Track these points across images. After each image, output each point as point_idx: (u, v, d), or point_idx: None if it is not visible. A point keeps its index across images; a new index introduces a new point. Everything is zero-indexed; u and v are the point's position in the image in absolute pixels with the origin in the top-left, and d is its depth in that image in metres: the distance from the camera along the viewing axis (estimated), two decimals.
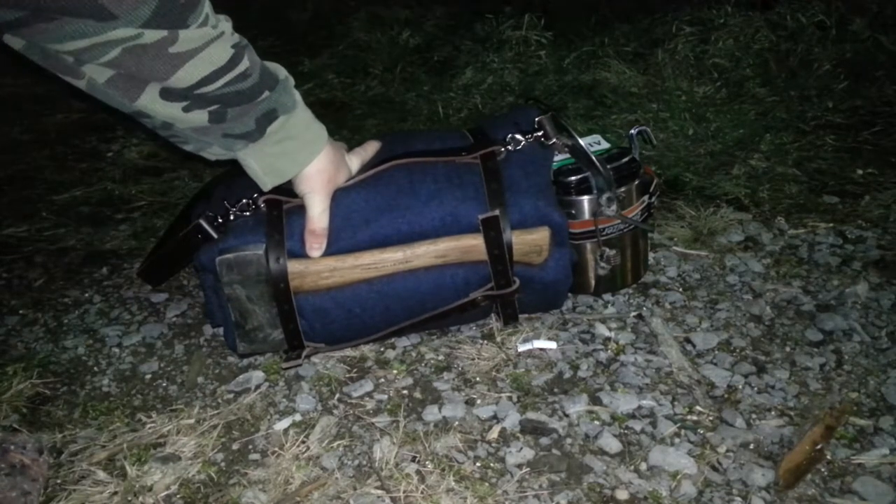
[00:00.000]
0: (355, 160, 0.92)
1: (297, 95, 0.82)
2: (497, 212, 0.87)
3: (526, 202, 0.88)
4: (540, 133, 0.94)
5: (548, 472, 0.75)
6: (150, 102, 0.71)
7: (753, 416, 0.82)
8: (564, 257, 0.92)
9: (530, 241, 0.89)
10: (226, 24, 0.73)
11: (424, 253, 0.87)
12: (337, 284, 0.87)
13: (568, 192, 0.94)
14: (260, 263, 0.86)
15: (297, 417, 0.84)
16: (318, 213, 0.86)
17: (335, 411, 0.85)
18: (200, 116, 0.74)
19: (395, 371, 0.91)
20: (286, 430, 0.82)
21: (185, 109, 0.73)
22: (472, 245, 0.88)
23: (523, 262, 0.90)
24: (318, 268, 0.86)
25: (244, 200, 0.89)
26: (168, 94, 0.71)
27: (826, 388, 0.86)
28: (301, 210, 0.87)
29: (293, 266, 0.86)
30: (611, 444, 0.78)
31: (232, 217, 0.88)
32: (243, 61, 0.74)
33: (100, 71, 0.69)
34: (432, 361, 0.93)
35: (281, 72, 0.81)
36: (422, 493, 0.72)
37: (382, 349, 0.95)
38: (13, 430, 0.83)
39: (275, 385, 0.90)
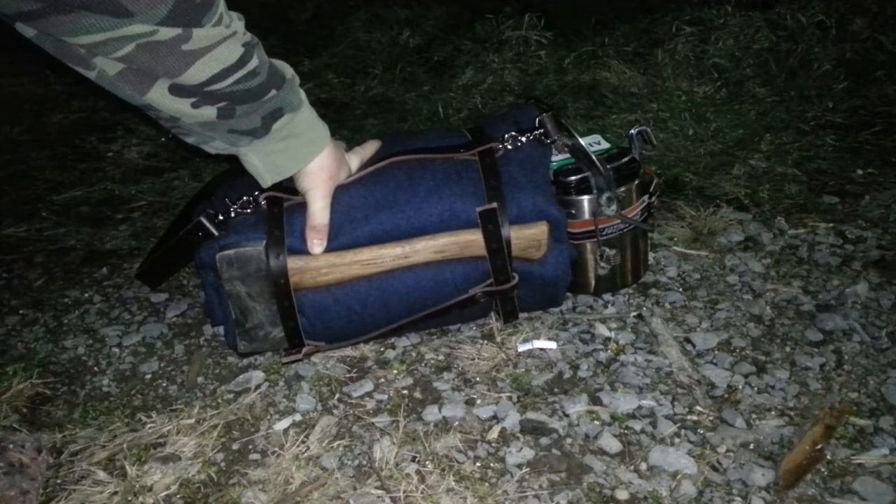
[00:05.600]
0: (355, 159, 0.92)
1: (303, 94, 0.83)
2: (495, 204, 0.87)
3: (524, 197, 0.88)
4: (539, 131, 0.94)
5: (548, 472, 0.75)
6: (160, 97, 0.72)
7: (753, 416, 0.82)
8: (563, 253, 0.92)
9: (529, 236, 0.89)
10: (238, 22, 0.74)
11: (423, 248, 0.87)
12: (336, 281, 0.87)
13: (568, 192, 0.94)
14: (260, 259, 0.86)
15: (297, 417, 0.84)
16: (319, 209, 0.86)
17: (335, 411, 0.85)
18: (209, 112, 0.75)
19: (395, 371, 0.91)
20: (286, 430, 0.82)
21: (194, 105, 0.73)
22: (471, 240, 0.88)
23: (522, 257, 0.90)
24: (317, 264, 0.86)
25: (245, 198, 0.89)
26: (177, 90, 0.72)
27: (826, 388, 0.86)
28: (301, 207, 0.87)
29: (293, 262, 0.86)
30: (611, 444, 0.78)
31: (233, 214, 0.89)
32: (253, 60, 0.74)
33: (111, 64, 0.69)
34: (432, 361, 0.93)
35: (288, 70, 0.81)
36: (422, 493, 0.72)
37: (382, 349, 0.95)
38: (13, 429, 0.83)
39: (275, 385, 0.90)
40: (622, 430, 0.80)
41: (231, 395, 0.88)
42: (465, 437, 0.80)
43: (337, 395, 0.87)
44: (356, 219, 0.87)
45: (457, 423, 0.82)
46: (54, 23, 0.64)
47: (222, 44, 0.71)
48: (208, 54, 0.70)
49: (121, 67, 0.69)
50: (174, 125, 0.78)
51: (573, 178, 0.94)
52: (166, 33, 0.67)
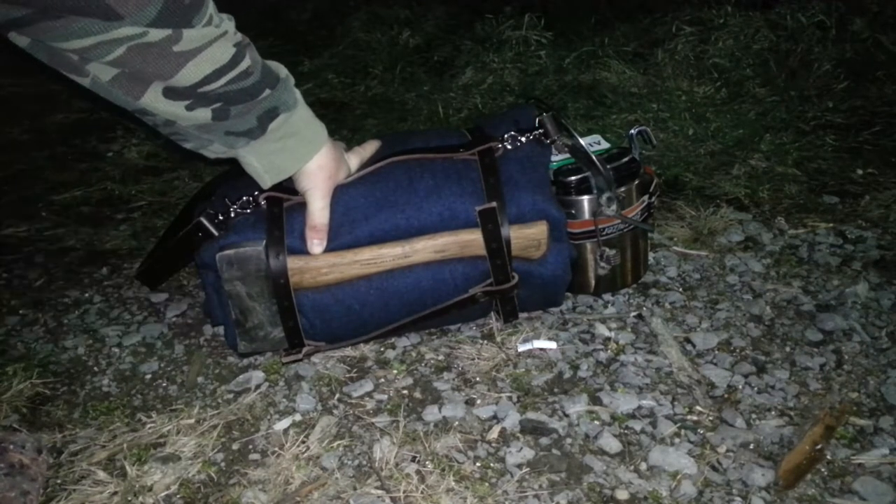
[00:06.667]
0: (354, 159, 0.92)
1: (298, 94, 0.83)
2: (494, 204, 0.87)
3: (523, 197, 0.88)
4: (539, 131, 0.94)
5: (548, 472, 0.75)
6: (154, 101, 0.72)
7: (753, 416, 0.82)
8: (563, 252, 0.92)
9: (528, 236, 0.89)
10: (229, 23, 0.74)
11: (423, 248, 0.87)
12: (336, 281, 0.87)
13: (568, 192, 0.94)
14: (260, 259, 0.86)
15: (297, 417, 0.84)
16: (318, 209, 0.86)
17: (335, 411, 0.85)
18: (204, 114, 0.74)
19: (395, 371, 0.91)
20: (286, 430, 0.82)
21: (189, 108, 0.73)
22: (471, 239, 0.88)
23: (522, 256, 0.90)
24: (317, 264, 0.86)
25: (245, 198, 0.89)
26: (171, 93, 0.72)
27: (826, 388, 0.86)
28: (301, 207, 0.87)
29: (293, 262, 0.86)
30: (611, 444, 0.78)
31: (233, 214, 0.89)
32: (245, 60, 0.74)
33: (104, 69, 0.69)
34: (432, 361, 0.93)
35: (281, 70, 0.81)
36: (422, 493, 0.72)
37: (382, 349, 0.95)
38: (13, 429, 0.83)
39: (275, 385, 0.90)
40: (622, 430, 0.80)
41: (231, 395, 0.88)
42: (465, 437, 0.80)
43: (337, 395, 0.87)
44: (356, 219, 0.87)
45: (457, 423, 0.82)
46: (44, 29, 0.65)
47: (213, 44, 0.71)
48: (200, 55, 0.70)
49: (114, 73, 0.69)
50: (171, 130, 0.77)
51: (573, 178, 0.94)
52: (156, 35, 0.67)
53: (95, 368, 0.95)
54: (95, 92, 0.72)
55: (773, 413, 0.82)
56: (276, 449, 0.79)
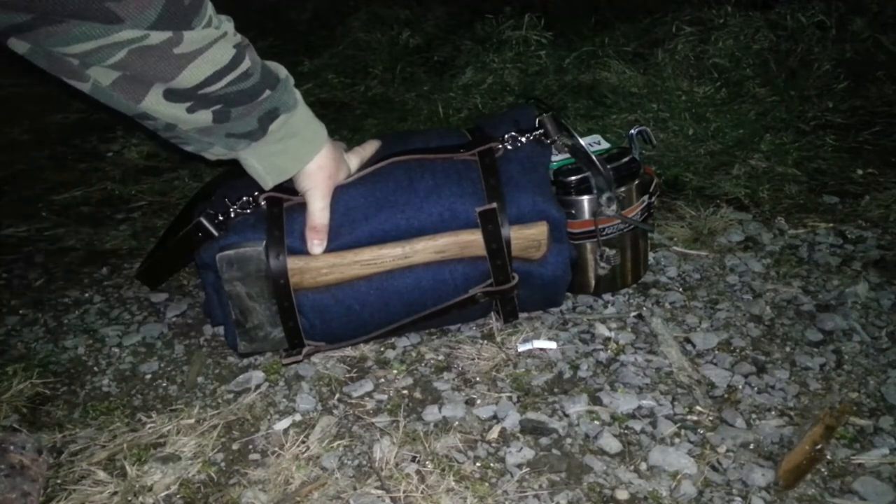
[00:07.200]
0: (354, 159, 0.92)
1: (298, 94, 0.83)
2: (494, 204, 0.87)
3: (524, 197, 0.88)
4: (539, 132, 0.94)
5: (548, 472, 0.75)
6: (155, 104, 0.72)
7: (753, 416, 0.82)
8: (563, 253, 0.92)
9: (528, 236, 0.89)
10: (228, 24, 0.74)
11: (423, 248, 0.87)
12: (336, 281, 0.87)
13: (568, 192, 0.94)
14: (260, 260, 0.86)
15: (297, 417, 0.84)
16: (319, 210, 0.86)
17: (335, 411, 0.85)
18: (204, 117, 0.74)
19: (395, 371, 0.91)
20: (286, 430, 0.82)
21: (189, 110, 0.73)
22: (471, 240, 0.88)
23: (522, 257, 0.90)
24: (317, 264, 0.86)
25: (245, 198, 0.89)
26: (172, 95, 0.72)
27: (826, 388, 0.86)
28: (301, 208, 0.87)
29: (293, 262, 0.86)
30: (611, 444, 0.78)
31: (233, 215, 0.89)
32: (245, 61, 0.74)
33: (105, 73, 0.69)
34: (432, 361, 0.93)
35: (281, 71, 0.81)
36: (422, 493, 0.72)
37: (382, 349, 0.95)
38: (13, 430, 0.83)
39: (275, 385, 0.90)
40: (622, 430, 0.80)
41: (231, 395, 0.88)
42: (465, 437, 0.80)
43: (337, 395, 0.87)
44: (356, 219, 0.87)
45: (457, 423, 0.82)
46: (45, 34, 0.64)
47: (213, 45, 0.71)
48: (200, 57, 0.70)
49: (115, 76, 0.69)
50: (172, 134, 0.77)
51: (573, 178, 0.94)
52: (157, 37, 0.67)
53: (95, 368, 0.95)
54: (95, 98, 0.72)
55: (773, 413, 0.82)
56: (276, 449, 0.79)
